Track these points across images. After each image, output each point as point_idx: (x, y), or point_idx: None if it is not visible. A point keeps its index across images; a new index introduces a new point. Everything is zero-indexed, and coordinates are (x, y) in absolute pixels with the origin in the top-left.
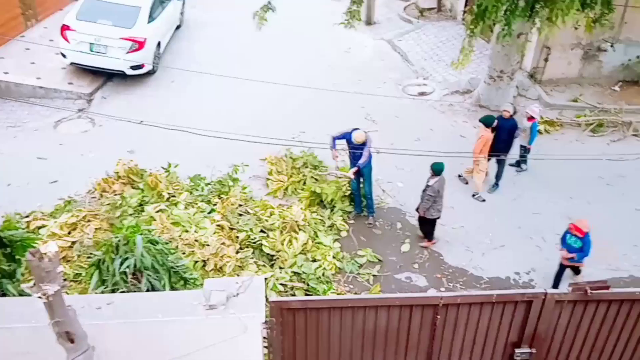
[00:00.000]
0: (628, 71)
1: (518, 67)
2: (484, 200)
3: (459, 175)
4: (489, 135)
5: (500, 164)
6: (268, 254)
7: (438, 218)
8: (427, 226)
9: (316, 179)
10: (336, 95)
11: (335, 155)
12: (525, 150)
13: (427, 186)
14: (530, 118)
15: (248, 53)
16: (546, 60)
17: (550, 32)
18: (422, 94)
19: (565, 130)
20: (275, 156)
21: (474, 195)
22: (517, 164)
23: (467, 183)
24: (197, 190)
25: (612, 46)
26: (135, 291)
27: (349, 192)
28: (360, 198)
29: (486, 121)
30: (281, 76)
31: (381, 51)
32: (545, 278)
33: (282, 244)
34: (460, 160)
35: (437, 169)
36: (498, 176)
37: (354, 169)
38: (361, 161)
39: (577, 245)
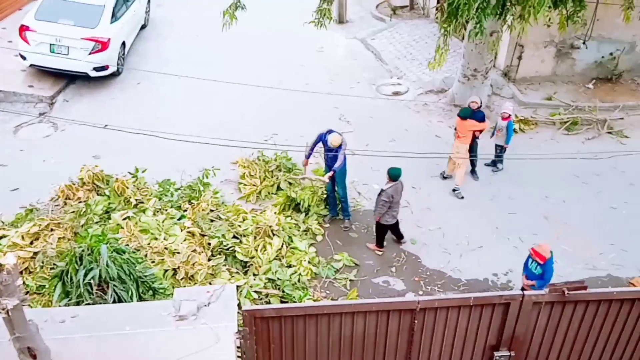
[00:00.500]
0: (601, 68)
1: (492, 65)
2: (462, 198)
3: (444, 176)
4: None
5: (472, 154)
6: (241, 261)
7: (394, 225)
8: (381, 231)
9: (290, 183)
10: (309, 95)
11: (306, 164)
12: (501, 149)
13: (382, 190)
14: (507, 117)
15: (218, 53)
16: (519, 58)
17: (522, 30)
18: (396, 93)
19: (539, 129)
20: (247, 159)
21: (454, 191)
22: (493, 163)
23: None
24: (166, 195)
25: (584, 43)
26: (101, 303)
27: (325, 195)
28: (335, 201)
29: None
30: (252, 77)
31: (354, 50)
32: None
33: (256, 250)
34: (436, 160)
35: (393, 174)
36: (472, 166)
37: (330, 174)
38: (337, 165)
39: (537, 272)
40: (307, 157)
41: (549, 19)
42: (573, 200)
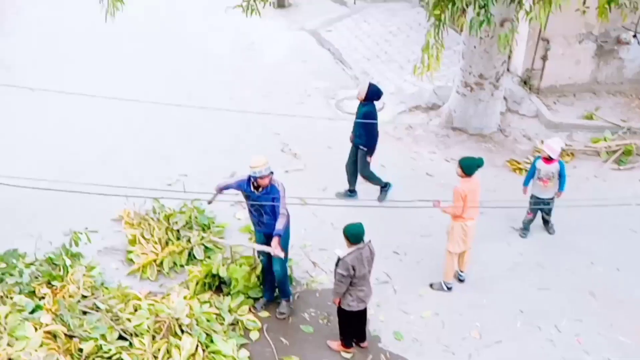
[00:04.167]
0: None
1: (504, 69)
2: (449, 289)
3: (460, 279)
4: (469, 187)
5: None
6: None
7: (360, 312)
8: (346, 321)
9: (208, 248)
10: (234, 116)
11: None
12: (549, 202)
13: (339, 260)
14: (548, 158)
15: (92, 54)
16: (544, 58)
17: (536, 17)
18: None
19: (578, 161)
20: (136, 212)
21: (449, 288)
22: (544, 222)
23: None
24: (11, 275)
25: (635, 37)
26: None
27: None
28: (273, 278)
29: (466, 165)
30: (149, 89)
31: (302, 47)
32: None
33: (156, 357)
34: (427, 211)
35: (352, 234)
36: (360, 176)
37: (276, 240)
38: (280, 225)
39: None
40: (220, 190)
41: (584, 2)
42: (631, 268)
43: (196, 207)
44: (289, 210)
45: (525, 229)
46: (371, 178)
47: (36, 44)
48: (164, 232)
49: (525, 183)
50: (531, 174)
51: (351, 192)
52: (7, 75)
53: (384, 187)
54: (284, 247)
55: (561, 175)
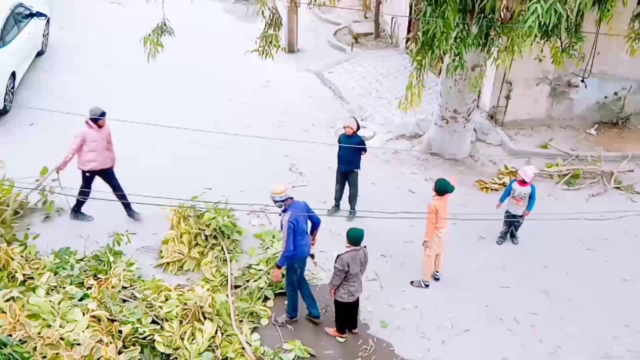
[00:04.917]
0: (605, 111)
1: (474, 106)
2: (427, 286)
3: (436, 278)
4: (440, 204)
5: (352, 184)
6: (162, 354)
7: (352, 304)
8: (341, 311)
9: (225, 260)
10: (251, 141)
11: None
12: (520, 218)
13: (337, 256)
14: (523, 182)
15: (134, 88)
16: (508, 97)
17: (503, 62)
18: None
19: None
20: (182, 206)
21: (426, 286)
22: (511, 234)
23: None
24: (64, 269)
25: (583, 81)
26: None
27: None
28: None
29: (440, 186)
30: (180, 117)
31: (308, 86)
32: None
33: (182, 339)
34: (410, 222)
35: (353, 237)
36: (352, 200)
37: (277, 274)
38: (280, 258)
39: None
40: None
41: (542, 50)
42: (577, 271)
43: (225, 209)
44: (296, 228)
45: (502, 237)
46: (356, 196)
47: (91, 80)
48: (192, 236)
49: (502, 199)
50: (507, 193)
51: (337, 207)
52: (63, 105)
53: (353, 210)
54: (297, 262)
55: (532, 197)
